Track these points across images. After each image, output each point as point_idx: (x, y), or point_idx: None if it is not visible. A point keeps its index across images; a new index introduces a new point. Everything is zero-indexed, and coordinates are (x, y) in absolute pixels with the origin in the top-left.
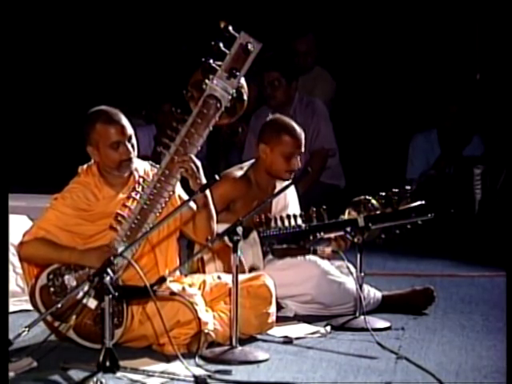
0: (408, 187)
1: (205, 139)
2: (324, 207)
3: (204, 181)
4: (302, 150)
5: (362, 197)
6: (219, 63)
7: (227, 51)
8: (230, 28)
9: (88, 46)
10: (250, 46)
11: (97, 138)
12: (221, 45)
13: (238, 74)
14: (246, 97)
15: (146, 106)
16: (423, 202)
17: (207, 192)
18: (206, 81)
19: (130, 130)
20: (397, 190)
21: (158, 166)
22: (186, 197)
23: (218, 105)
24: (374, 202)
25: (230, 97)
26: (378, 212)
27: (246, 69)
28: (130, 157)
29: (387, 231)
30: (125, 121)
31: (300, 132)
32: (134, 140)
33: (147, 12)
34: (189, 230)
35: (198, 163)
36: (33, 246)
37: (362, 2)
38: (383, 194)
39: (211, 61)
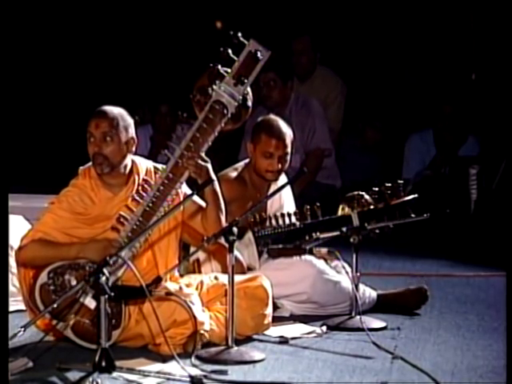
0: (400, 181)
1: (210, 144)
2: (318, 204)
3: (214, 177)
4: (287, 151)
5: (356, 192)
6: (226, 69)
7: (235, 58)
8: (239, 35)
9: (87, 47)
10: (259, 54)
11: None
12: (229, 51)
13: (245, 81)
14: (250, 103)
15: (142, 107)
16: (416, 196)
17: (216, 186)
18: (214, 86)
19: (105, 127)
20: (389, 185)
21: (158, 165)
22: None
23: (225, 111)
24: (367, 197)
25: (236, 103)
26: (371, 207)
27: (254, 76)
28: (98, 151)
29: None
30: (107, 116)
31: (285, 133)
32: (111, 138)
33: (145, 12)
34: (196, 224)
35: (207, 161)
36: (31, 248)
37: (357, 3)
38: (376, 189)
39: (219, 66)
